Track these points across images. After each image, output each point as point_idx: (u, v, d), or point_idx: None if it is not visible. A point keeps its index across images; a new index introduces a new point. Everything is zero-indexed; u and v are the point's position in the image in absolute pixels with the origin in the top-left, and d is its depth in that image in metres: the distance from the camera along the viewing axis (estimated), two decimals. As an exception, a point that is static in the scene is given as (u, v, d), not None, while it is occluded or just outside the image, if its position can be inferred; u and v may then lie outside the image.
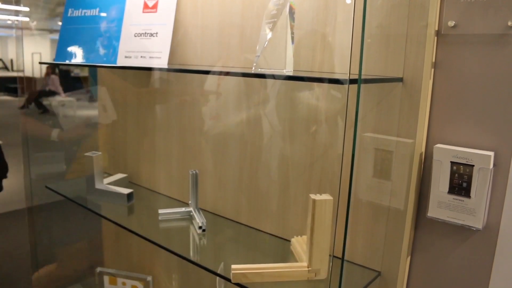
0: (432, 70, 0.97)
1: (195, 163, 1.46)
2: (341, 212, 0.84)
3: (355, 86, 0.77)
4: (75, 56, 1.51)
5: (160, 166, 1.60)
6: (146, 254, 1.76)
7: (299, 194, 1.20)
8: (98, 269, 1.64)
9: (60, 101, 1.74)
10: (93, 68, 1.90)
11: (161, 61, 1.32)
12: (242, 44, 1.26)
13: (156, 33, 1.35)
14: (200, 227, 1.27)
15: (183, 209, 1.40)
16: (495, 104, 0.91)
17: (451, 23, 0.94)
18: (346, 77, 0.77)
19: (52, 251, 2.10)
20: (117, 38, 1.42)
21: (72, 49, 1.53)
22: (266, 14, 1.03)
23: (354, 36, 0.77)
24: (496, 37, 0.89)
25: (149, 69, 1.46)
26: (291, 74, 0.97)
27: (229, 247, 1.27)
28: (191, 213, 1.37)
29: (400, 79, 0.97)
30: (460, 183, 0.95)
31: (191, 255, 1.18)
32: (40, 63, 1.72)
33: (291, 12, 0.96)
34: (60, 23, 1.60)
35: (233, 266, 1.01)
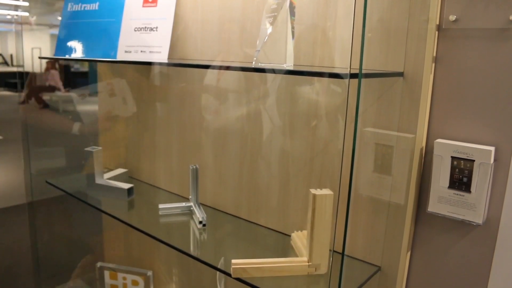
0: (433, 64, 0.97)
1: (195, 158, 1.46)
2: (342, 207, 0.84)
3: (355, 81, 0.77)
4: (75, 51, 1.51)
5: (160, 161, 1.60)
6: (146, 249, 1.76)
7: (299, 189, 1.20)
8: (99, 264, 1.65)
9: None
10: (93, 63, 1.90)
11: (161, 56, 1.32)
12: (242, 38, 1.26)
13: (156, 27, 1.35)
14: (200, 222, 1.27)
15: (183, 204, 1.40)
16: (496, 99, 0.91)
17: (452, 18, 0.93)
18: (347, 71, 0.77)
19: (52, 246, 2.10)
20: (117, 33, 1.41)
21: (72, 44, 1.53)
22: (266, 9, 1.02)
23: (354, 30, 0.77)
24: (498, 32, 0.89)
25: (149, 63, 1.45)
26: (291, 68, 0.96)
27: (229, 242, 1.27)
28: (191, 208, 1.37)
29: (400, 74, 0.97)
30: (461, 178, 0.95)
31: (192, 250, 1.18)
32: (40, 58, 1.71)
33: (292, 6, 0.95)
34: (59, 18, 1.59)
35: (233, 261, 1.01)
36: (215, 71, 1.35)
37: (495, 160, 0.92)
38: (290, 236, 1.20)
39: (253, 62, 1.02)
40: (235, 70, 1.27)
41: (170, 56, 1.33)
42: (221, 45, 1.31)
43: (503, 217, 0.93)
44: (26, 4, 1.98)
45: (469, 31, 0.92)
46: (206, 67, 1.25)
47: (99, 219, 1.97)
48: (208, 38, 1.34)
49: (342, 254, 0.85)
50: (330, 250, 1.00)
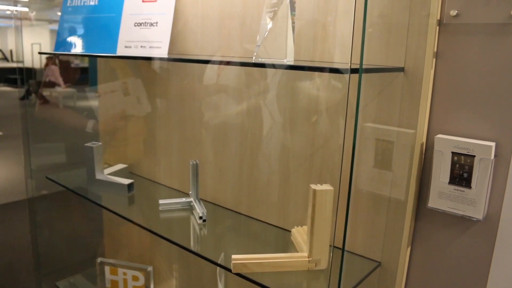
0: (434, 59, 0.97)
1: (195, 153, 1.46)
2: (342, 203, 0.84)
3: (356, 76, 0.77)
4: (75, 46, 1.51)
5: (160, 156, 1.60)
6: (146, 244, 1.76)
7: (299, 184, 1.20)
8: (99, 260, 1.65)
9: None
10: (92, 58, 1.90)
11: (161, 51, 1.32)
12: (243, 34, 1.25)
13: (156, 22, 1.34)
14: (200, 217, 1.27)
15: (183, 199, 1.40)
16: (497, 94, 0.90)
17: (453, 12, 0.93)
18: (347, 66, 0.77)
19: (53, 242, 2.11)
20: (117, 28, 1.41)
21: (72, 39, 1.52)
22: (266, 4, 1.02)
23: (355, 25, 0.76)
24: (499, 27, 0.88)
25: (149, 58, 1.45)
26: (291, 64, 0.96)
27: (230, 237, 1.27)
28: (192, 203, 1.37)
29: (401, 69, 0.97)
30: (461, 174, 0.94)
31: (192, 245, 1.18)
32: (40, 53, 1.71)
33: (292, 1, 0.95)
34: (59, 13, 1.59)
35: (233, 256, 1.01)
36: (215, 66, 1.35)
37: (495, 155, 0.92)
38: (290, 231, 1.20)
39: (253, 57, 1.02)
40: (235, 65, 1.27)
41: (170, 51, 1.32)
42: (221, 40, 1.31)
43: (503, 213, 0.93)
44: (26, -1, 1.97)
45: (470, 26, 0.92)
46: (206, 62, 1.25)
47: (99, 214, 1.97)
48: (208, 33, 1.34)
49: (342, 249, 0.85)
50: (330, 246, 1.00)
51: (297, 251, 1.09)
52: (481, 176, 0.92)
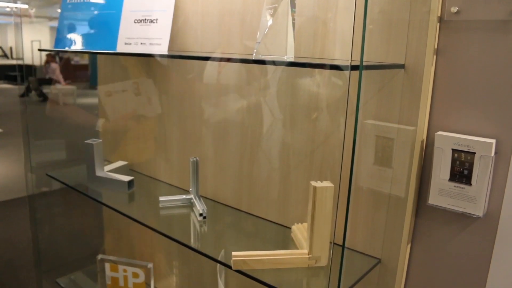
0: (434, 56, 0.97)
1: (195, 150, 1.46)
2: (342, 200, 0.84)
3: (356, 73, 0.77)
4: (75, 43, 1.50)
5: (160, 153, 1.60)
6: (147, 241, 1.77)
7: (299, 181, 1.20)
8: (99, 257, 1.65)
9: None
10: (92, 55, 1.89)
11: (161, 48, 1.31)
12: (243, 31, 1.25)
13: (156, 19, 1.34)
14: (200, 214, 1.27)
15: (183, 196, 1.40)
16: (498, 91, 0.90)
17: (454, 9, 0.93)
18: (348, 63, 0.77)
19: (53, 239, 2.11)
20: (117, 25, 1.41)
21: (72, 36, 1.52)
22: (266, 1, 1.02)
23: (355, 22, 0.76)
24: (499, 24, 0.88)
25: (149, 55, 1.45)
26: (292, 60, 0.96)
27: (230, 234, 1.27)
28: (192, 200, 1.38)
29: (402, 66, 0.97)
30: (461, 171, 0.94)
31: (192, 242, 1.18)
32: (40, 50, 1.71)
33: (292, -2, 0.95)
34: (59, 10, 1.59)
35: (233, 253, 1.01)
36: (216, 63, 1.35)
37: (496, 152, 0.92)
38: (290, 228, 1.20)
39: (253, 54, 1.02)
40: (236, 62, 1.27)
41: (170, 48, 1.32)
42: (221, 37, 1.31)
43: (503, 210, 0.93)
44: (26, -4, 1.97)
45: (471, 23, 0.92)
46: (207, 59, 1.25)
47: (99, 211, 1.97)
48: (208, 30, 1.34)
49: (343, 246, 0.85)
50: (330, 243, 1.00)
51: (297, 248, 1.09)
52: (481, 173, 0.92)
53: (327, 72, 1.09)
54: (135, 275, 1.62)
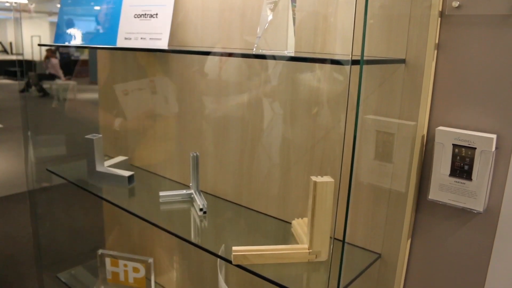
0: (435, 51, 0.96)
1: (196, 145, 1.46)
2: (342, 195, 0.84)
3: (357, 68, 0.77)
4: (74, 38, 1.50)
5: (161, 148, 1.60)
6: (147, 236, 1.77)
7: (300, 176, 1.20)
8: (100, 251, 1.65)
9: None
10: (92, 50, 1.89)
11: (161, 43, 1.31)
12: (243, 25, 1.25)
13: (156, 14, 1.34)
14: (201, 209, 1.28)
15: (184, 191, 1.40)
16: (499, 86, 0.90)
17: (455, 4, 0.92)
18: (348, 58, 0.76)
19: (54, 234, 2.12)
20: (117, 20, 1.40)
21: (71, 31, 1.52)
22: (267, -5, 1.01)
23: (356, 16, 0.76)
24: (501, 18, 0.88)
25: (150, 50, 1.44)
26: (292, 55, 0.96)
27: (230, 229, 1.28)
28: (192, 195, 1.38)
29: (402, 61, 0.96)
30: (462, 166, 0.94)
31: (192, 237, 1.18)
32: (39, 45, 1.70)
33: (293, -8, 0.94)
34: (58, 5, 1.58)
35: (234, 248, 1.01)
36: (216, 58, 1.35)
37: (496, 148, 0.92)
38: (290, 223, 1.20)
39: (254, 49, 1.01)
40: (236, 57, 1.27)
41: (170, 43, 1.32)
42: (222, 32, 1.31)
43: (503, 205, 0.93)
44: (25, -9, 1.97)
45: (472, 18, 0.91)
46: (207, 54, 1.25)
47: (100, 206, 1.97)
48: (208, 25, 1.33)
49: (343, 241, 0.85)
50: (330, 238, 1.00)
51: (297, 243, 1.10)
52: (482, 168, 0.92)
53: (327, 67, 1.09)
54: (136, 270, 1.62)
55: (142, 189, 1.53)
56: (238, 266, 1.01)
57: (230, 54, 1.23)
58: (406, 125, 0.98)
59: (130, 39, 1.37)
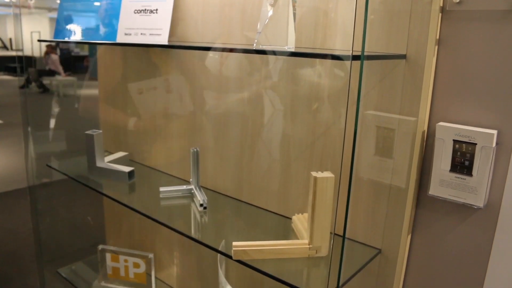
0: (436, 47, 0.96)
1: (196, 141, 1.46)
2: (343, 190, 0.84)
3: (357, 63, 0.76)
4: (74, 34, 1.50)
5: (161, 144, 1.60)
6: (147, 231, 1.77)
7: (300, 171, 1.20)
8: (100, 247, 1.66)
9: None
10: (92, 46, 1.89)
11: (161, 38, 1.31)
12: (243, 21, 1.24)
13: (156, 9, 1.33)
14: (201, 205, 1.28)
15: (184, 187, 1.40)
16: (499, 82, 0.90)
17: (456, -1, 0.92)
18: (349, 53, 0.76)
19: (54, 229, 2.12)
20: (117, 15, 1.40)
21: (71, 26, 1.51)
22: (267, -10, 1.01)
23: (357, 12, 0.76)
24: (502, 14, 0.87)
25: (150, 46, 1.44)
26: (293, 51, 0.96)
27: (230, 224, 1.28)
28: (192, 191, 1.38)
29: (403, 56, 0.96)
30: (462, 162, 0.94)
31: (192, 233, 1.19)
32: (39, 40, 1.70)
33: (293, -12, 0.94)
34: (58, 1, 1.58)
35: (234, 243, 1.01)
36: (216, 53, 1.34)
37: (497, 143, 0.92)
38: (291, 218, 1.20)
39: (254, 45, 1.01)
40: (236, 52, 1.27)
41: (170, 38, 1.32)
42: (222, 27, 1.30)
43: (504, 201, 0.93)
44: (25, -14, 1.96)
45: (473, 13, 0.91)
46: (207, 49, 1.25)
47: (100, 202, 1.98)
48: (208, 20, 1.33)
49: (343, 236, 0.85)
50: (331, 233, 1.00)
51: (297, 238, 1.10)
52: (482, 164, 0.92)
53: (328, 62, 1.09)
54: (136, 265, 1.63)
55: (142, 185, 1.53)
56: (239, 261, 1.01)
57: (230, 50, 1.23)
58: (406, 121, 0.98)
59: (130, 34, 1.37)
